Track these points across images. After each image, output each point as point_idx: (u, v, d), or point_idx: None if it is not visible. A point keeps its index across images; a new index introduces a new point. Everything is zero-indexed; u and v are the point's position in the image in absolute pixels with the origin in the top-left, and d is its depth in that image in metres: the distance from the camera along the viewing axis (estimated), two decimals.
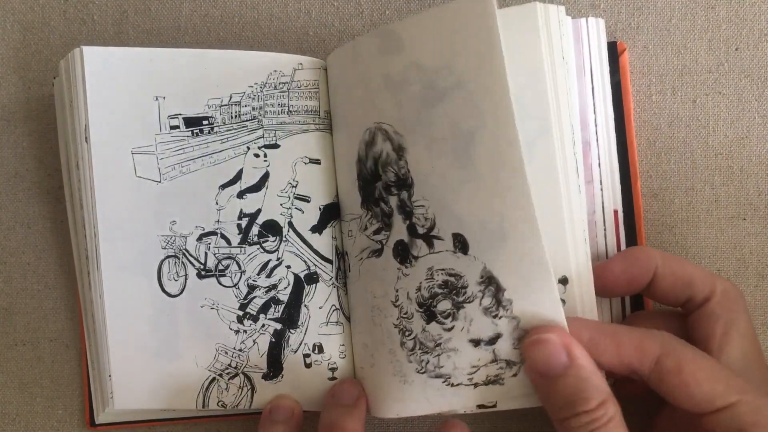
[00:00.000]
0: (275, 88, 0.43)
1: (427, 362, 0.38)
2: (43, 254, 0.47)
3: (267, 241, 0.42)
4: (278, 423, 0.40)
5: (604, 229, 0.41)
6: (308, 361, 0.41)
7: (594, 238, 0.41)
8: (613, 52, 0.43)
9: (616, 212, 0.42)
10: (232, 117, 0.42)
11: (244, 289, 0.42)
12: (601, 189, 0.41)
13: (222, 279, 0.42)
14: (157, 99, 0.42)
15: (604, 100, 0.41)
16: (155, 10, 0.47)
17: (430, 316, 0.38)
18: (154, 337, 0.41)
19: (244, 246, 0.42)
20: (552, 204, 0.37)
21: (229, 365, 0.41)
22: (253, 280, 0.42)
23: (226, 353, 0.41)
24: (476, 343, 0.37)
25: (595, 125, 0.41)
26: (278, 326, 0.42)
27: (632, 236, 0.42)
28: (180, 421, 0.45)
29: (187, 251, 0.41)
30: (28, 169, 0.47)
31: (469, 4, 0.36)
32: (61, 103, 0.44)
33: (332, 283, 0.42)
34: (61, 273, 0.46)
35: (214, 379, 0.41)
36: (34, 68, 0.48)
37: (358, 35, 0.47)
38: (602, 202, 0.41)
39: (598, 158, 0.41)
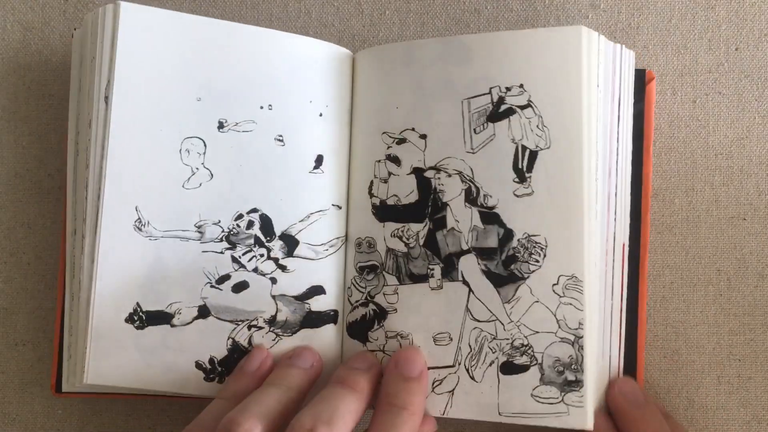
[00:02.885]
0: None
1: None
2: (43, 254, 0.47)
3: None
4: (295, 367, 0.40)
5: (613, 261, 0.41)
6: None
7: (604, 270, 0.40)
8: (641, 79, 0.42)
9: (624, 245, 0.41)
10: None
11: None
12: (615, 220, 0.40)
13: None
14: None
15: (626, 129, 0.41)
16: None
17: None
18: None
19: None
20: (574, 226, 0.38)
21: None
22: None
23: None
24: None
25: (617, 154, 0.41)
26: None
27: (634, 272, 0.42)
28: (148, 396, 0.44)
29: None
30: (28, 169, 0.47)
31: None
32: (79, 57, 0.43)
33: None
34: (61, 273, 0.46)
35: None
36: (34, 68, 0.48)
37: (357, 34, 0.47)
38: (614, 234, 0.40)
39: (615, 187, 0.40)
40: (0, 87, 0.47)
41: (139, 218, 0.41)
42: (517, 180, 0.39)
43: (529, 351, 0.39)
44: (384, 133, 0.42)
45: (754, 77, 0.45)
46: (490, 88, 0.40)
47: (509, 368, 0.39)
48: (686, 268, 0.44)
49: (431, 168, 0.41)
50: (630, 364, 0.41)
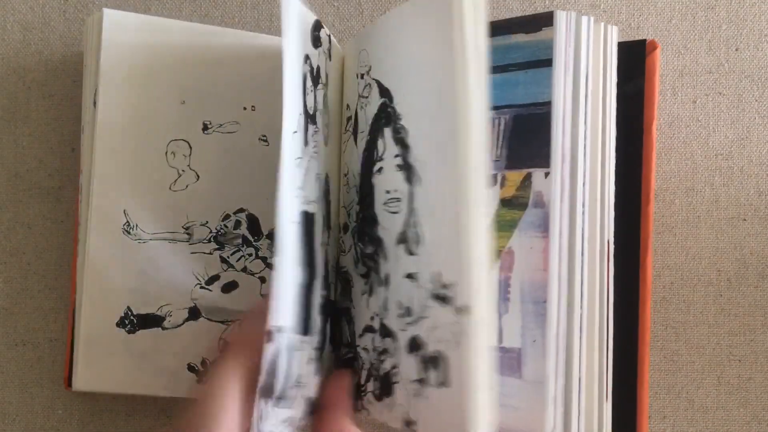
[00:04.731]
0: None
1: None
2: (43, 254, 0.47)
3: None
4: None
5: (582, 262, 0.36)
6: None
7: (571, 271, 0.36)
8: (640, 52, 0.39)
9: (608, 243, 0.37)
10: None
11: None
12: (584, 213, 0.37)
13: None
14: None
15: (595, 109, 0.37)
16: (155, 11, 0.47)
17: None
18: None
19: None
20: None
21: None
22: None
23: None
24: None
25: (585, 138, 0.37)
26: None
27: (631, 274, 0.39)
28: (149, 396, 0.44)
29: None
30: (28, 169, 0.47)
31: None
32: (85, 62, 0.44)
33: None
34: (61, 273, 0.46)
35: None
36: (34, 68, 0.48)
37: (357, 34, 0.47)
38: (583, 229, 0.36)
39: (584, 177, 0.37)
40: (0, 87, 0.47)
41: (127, 221, 0.41)
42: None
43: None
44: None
45: (754, 78, 0.45)
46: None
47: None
48: (686, 269, 0.44)
49: None
50: (627, 377, 0.38)
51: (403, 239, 0.35)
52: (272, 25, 0.47)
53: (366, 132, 0.38)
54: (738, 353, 0.44)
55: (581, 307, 0.36)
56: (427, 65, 0.34)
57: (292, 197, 0.34)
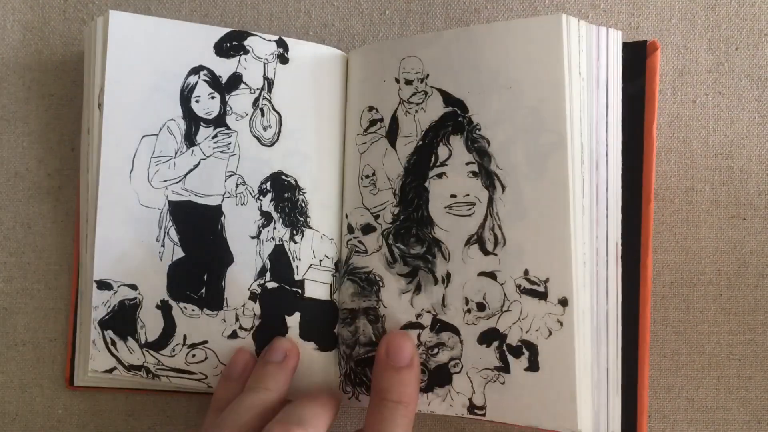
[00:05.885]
0: None
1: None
2: (43, 254, 0.47)
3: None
4: (270, 364, 0.39)
5: (606, 261, 0.38)
6: None
7: (594, 268, 0.38)
8: (641, 52, 0.40)
9: (617, 245, 0.39)
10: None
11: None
12: (606, 215, 0.38)
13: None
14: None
15: (615, 117, 0.39)
16: (155, 10, 0.47)
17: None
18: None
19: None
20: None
21: None
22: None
23: None
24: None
25: (606, 145, 0.38)
26: None
27: (634, 273, 0.39)
28: (150, 391, 0.44)
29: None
30: (28, 169, 0.47)
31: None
32: (85, 62, 0.44)
33: None
34: (61, 273, 0.46)
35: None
36: (34, 68, 0.48)
37: (357, 34, 0.47)
38: (606, 230, 0.38)
39: (606, 181, 0.38)
40: (0, 87, 0.47)
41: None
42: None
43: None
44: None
45: (754, 77, 0.45)
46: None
47: None
48: (686, 268, 0.44)
49: None
50: (630, 371, 0.39)
51: (476, 240, 0.38)
52: (272, 24, 0.47)
53: (417, 136, 0.40)
54: (738, 352, 0.44)
55: (596, 311, 0.38)
56: (525, 83, 0.37)
57: (145, 187, 0.41)
